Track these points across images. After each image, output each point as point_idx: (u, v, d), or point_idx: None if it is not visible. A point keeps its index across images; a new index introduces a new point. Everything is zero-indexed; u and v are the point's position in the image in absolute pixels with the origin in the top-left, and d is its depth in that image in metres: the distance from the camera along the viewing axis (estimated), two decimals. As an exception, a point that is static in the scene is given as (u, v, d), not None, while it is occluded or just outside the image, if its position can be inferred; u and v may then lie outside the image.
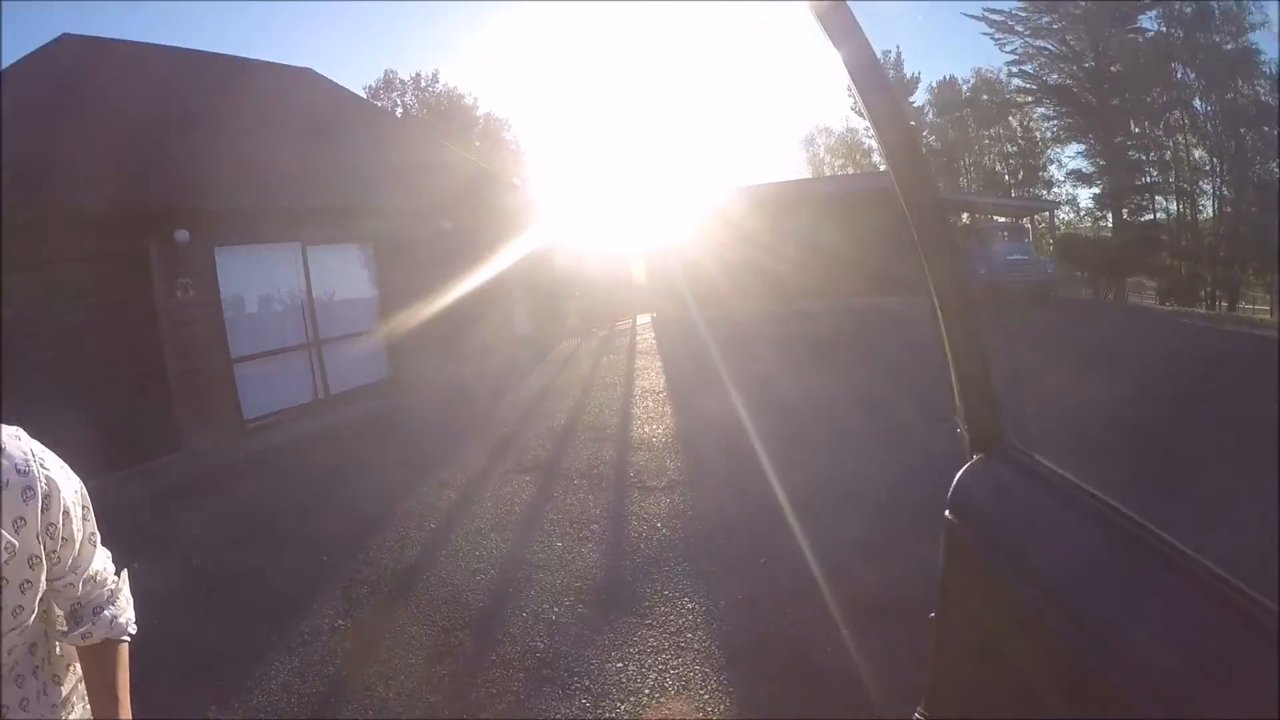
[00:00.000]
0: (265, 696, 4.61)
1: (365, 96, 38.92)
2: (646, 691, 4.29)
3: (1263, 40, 34.27)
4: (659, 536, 6.45)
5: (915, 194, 1.52)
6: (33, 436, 1.62)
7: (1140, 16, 38.25)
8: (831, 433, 9.27)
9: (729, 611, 5.07)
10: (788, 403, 10.82)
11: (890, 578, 5.24)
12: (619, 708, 4.17)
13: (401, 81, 53.49)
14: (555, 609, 5.30)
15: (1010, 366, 12.06)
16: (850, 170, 52.49)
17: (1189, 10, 35.88)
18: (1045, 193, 44.84)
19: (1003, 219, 30.33)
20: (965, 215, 37.87)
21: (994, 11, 42.35)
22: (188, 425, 10.83)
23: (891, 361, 13.67)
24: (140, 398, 10.37)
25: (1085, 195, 47.26)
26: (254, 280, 12.19)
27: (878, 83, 1.52)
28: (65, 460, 1.69)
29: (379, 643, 5.11)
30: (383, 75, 54.15)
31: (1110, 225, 40.21)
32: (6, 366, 8.57)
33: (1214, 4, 35.02)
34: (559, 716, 4.14)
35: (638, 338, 19.79)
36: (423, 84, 53.65)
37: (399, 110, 50.97)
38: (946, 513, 1.52)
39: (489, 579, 5.93)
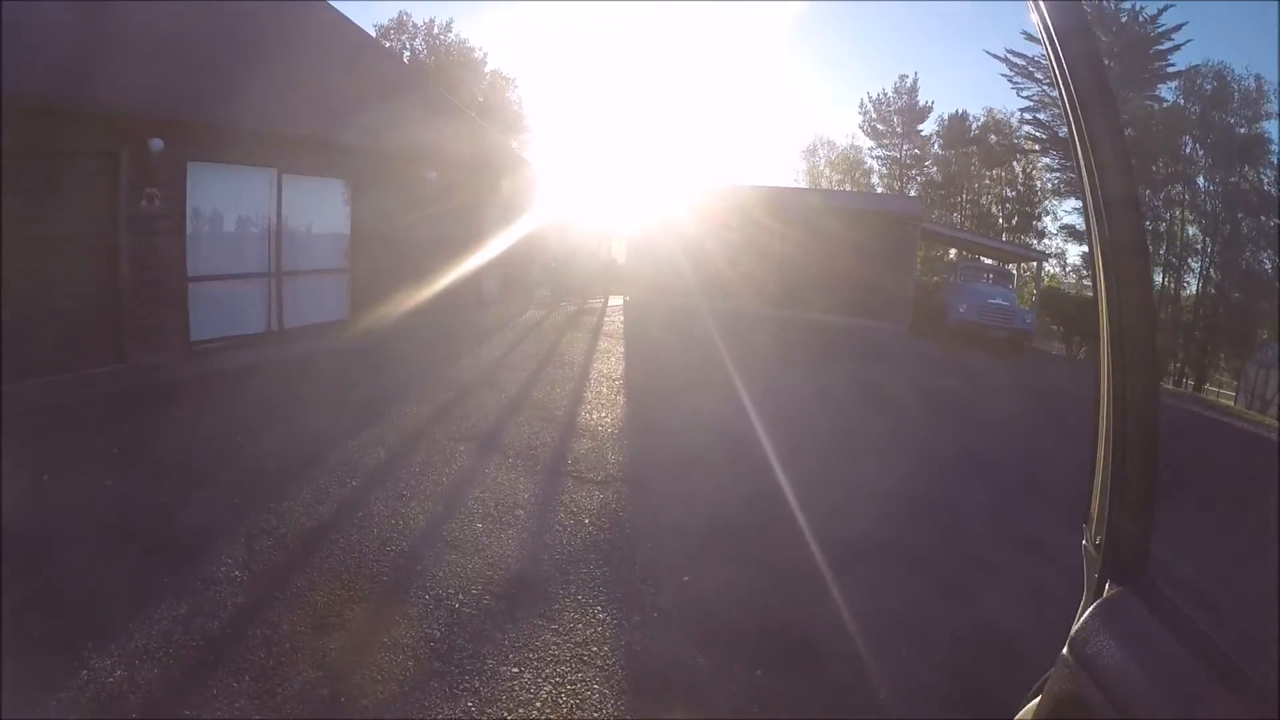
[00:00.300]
0: (143, 642, 4.34)
1: (375, 35, 38.18)
2: (538, 705, 4.04)
3: (1275, 130, 34.43)
4: (584, 534, 6.19)
5: (1120, 228, 1.24)
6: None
7: (1161, 85, 38.35)
8: (787, 444, 9.05)
9: (642, 629, 4.83)
10: (746, 408, 10.58)
11: (819, 618, 5.04)
12: (505, 719, 3.92)
13: (414, 25, 52.67)
14: (461, 596, 5.03)
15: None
16: (847, 187, 52.31)
17: (1209, 87, 35.95)
18: (1036, 242, 44.96)
19: (989, 260, 30.28)
20: (953, 251, 37.94)
21: (1016, 54, 42.39)
22: (133, 338, 10.46)
23: (856, 378, 13.45)
24: (88, 303, 10.01)
25: (1074, 251, 47.39)
26: (223, 201, 11.78)
27: (1101, 95, 1.24)
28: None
29: (272, 603, 4.83)
30: (396, 16, 52.88)
31: (1093, 285, 40.28)
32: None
33: (1234, 85, 35.10)
34: (439, 717, 3.88)
35: (606, 318, 19.46)
36: (435, 31, 52.84)
37: (407, 54, 50.17)
38: (1065, 650, 1.24)
39: (399, 551, 5.64)
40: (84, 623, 4.46)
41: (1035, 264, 32.00)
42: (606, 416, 9.88)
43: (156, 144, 10.23)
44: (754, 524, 6.65)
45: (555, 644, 4.57)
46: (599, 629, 4.77)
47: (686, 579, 5.53)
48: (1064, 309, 32.94)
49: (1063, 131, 42.36)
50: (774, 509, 7.03)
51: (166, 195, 10.64)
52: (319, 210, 13.42)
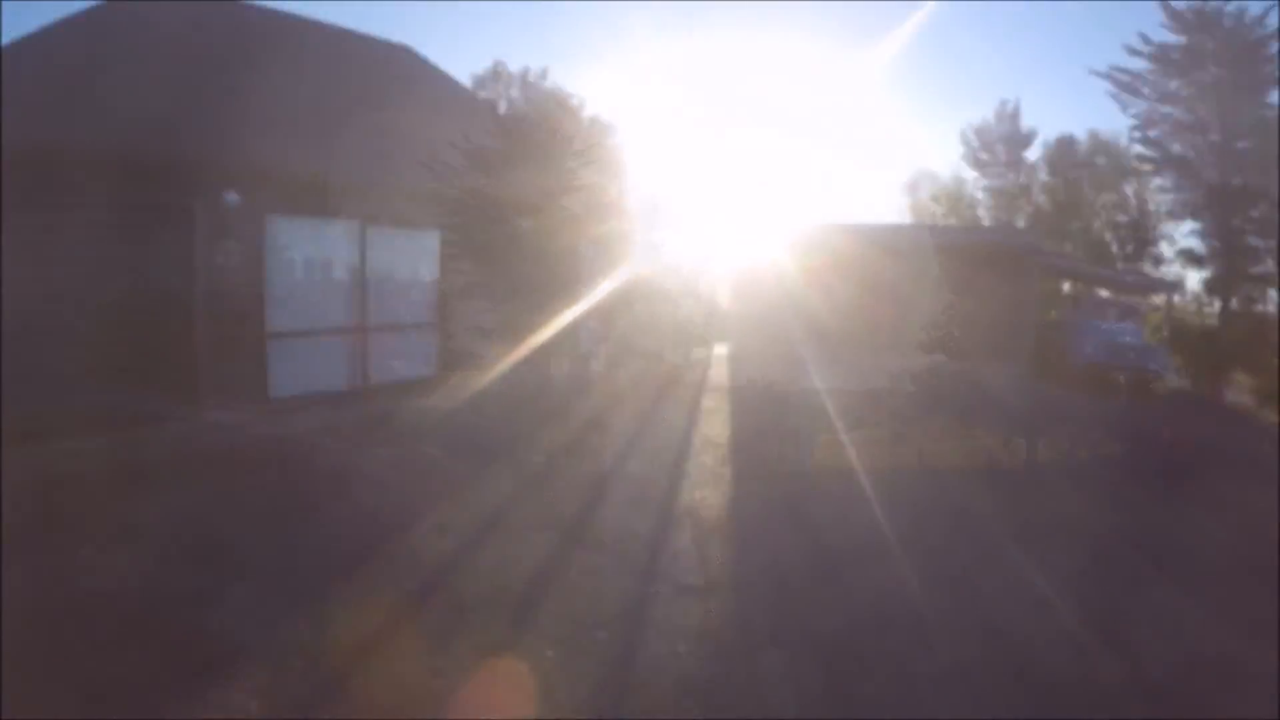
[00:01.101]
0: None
1: (471, 85, 38.41)
2: None
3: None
4: (679, 669, 5.00)
5: None
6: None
7: (1272, 90, 35.91)
8: (937, 533, 7.82)
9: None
10: (884, 485, 9.04)
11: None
12: None
13: (510, 74, 53.05)
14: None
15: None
16: (953, 221, 50.45)
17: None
18: (1154, 269, 42.68)
19: (1106, 293, 28.51)
20: (1066, 284, 36.06)
21: (1120, 71, 40.17)
22: (208, 394, 10.28)
23: (996, 442, 12.00)
24: (163, 359, 9.88)
25: (1194, 277, 44.80)
26: (305, 254, 11.61)
27: None
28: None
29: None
30: (492, 66, 53.38)
31: (1216, 313, 37.98)
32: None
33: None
34: None
35: (711, 371, 18.49)
36: (530, 79, 53.07)
37: (504, 103, 50.43)
38: None
39: (448, 687, 4.60)
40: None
41: (1165, 296, 29.95)
42: (712, 495, 8.80)
43: (231, 198, 10.05)
44: (888, 651, 5.43)
45: None
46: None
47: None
48: (1190, 340, 30.89)
49: (1174, 149, 40.07)
50: (917, 633, 5.75)
51: (244, 249, 10.43)
52: (407, 263, 13.14)
